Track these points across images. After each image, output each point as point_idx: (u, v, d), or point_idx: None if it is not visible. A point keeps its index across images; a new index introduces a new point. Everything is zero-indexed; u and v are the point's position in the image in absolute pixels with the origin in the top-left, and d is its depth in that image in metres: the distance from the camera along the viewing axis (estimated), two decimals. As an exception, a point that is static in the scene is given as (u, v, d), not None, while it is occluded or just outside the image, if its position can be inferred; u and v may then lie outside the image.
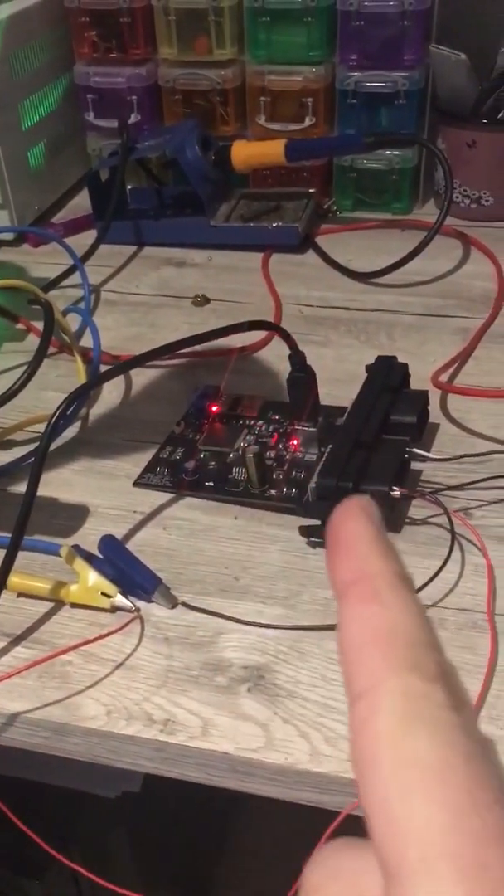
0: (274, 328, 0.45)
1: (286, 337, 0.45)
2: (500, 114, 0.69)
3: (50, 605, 0.42)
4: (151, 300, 0.66)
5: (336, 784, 0.34)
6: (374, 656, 0.14)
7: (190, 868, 0.76)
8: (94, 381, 0.51)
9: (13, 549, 0.39)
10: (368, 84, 0.70)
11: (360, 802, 0.14)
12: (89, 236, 0.73)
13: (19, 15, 0.71)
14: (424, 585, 0.40)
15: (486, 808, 0.13)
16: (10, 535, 0.39)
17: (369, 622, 0.15)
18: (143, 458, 0.50)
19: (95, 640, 0.38)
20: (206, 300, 0.65)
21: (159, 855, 0.74)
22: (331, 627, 0.39)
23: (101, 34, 0.74)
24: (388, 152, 0.72)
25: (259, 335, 0.58)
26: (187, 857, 0.77)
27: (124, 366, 0.48)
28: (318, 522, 0.43)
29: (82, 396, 0.50)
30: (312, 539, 0.44)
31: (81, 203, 0.78)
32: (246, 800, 0.37)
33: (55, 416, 0.41)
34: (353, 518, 0.16)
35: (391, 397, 0.47)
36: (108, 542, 0.42)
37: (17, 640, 0.40)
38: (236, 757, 0.35)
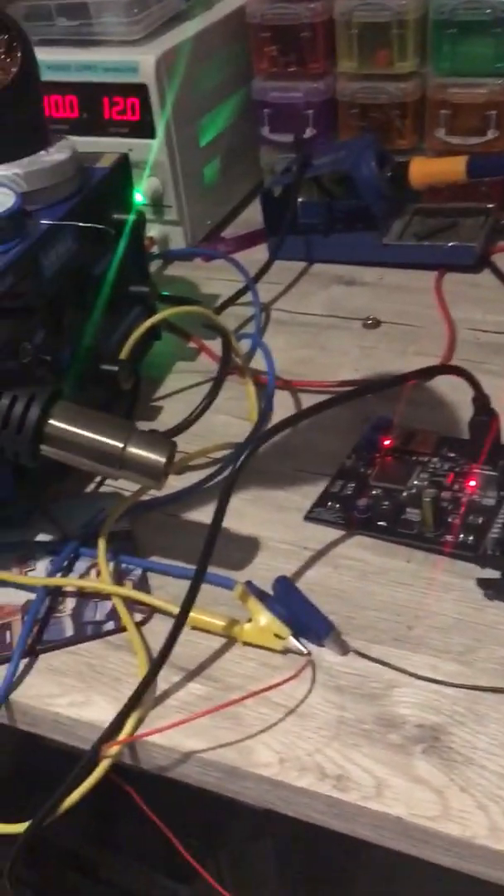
0: (462, 373, 0.43)
1: (472, 382, 0.44)
2: None
3: (222, 641, 0.42)
4: (321, 321, 0.66)
5: (516, 864, 0.33)
6: None
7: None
8: (282, 424, 0.46)
9: (196, 584, 0.40)
10: None
11: None
12: (258, 251, 0.73)
13: (203, 32, 0.72)
14: None
15: None
16: (186, 565, 0.40)
17: None
18: (312, 491, 0.50)
19: (272, 687, 0.38)
20: (378, 323, 0.64)
21: (302, 870, 0.74)
22: (511, 692, 0.38)
23: (280, 49, 0.73)
24: None
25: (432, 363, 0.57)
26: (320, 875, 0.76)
27: (309, 411, 0.46)
28: (497, 575, 0.42)
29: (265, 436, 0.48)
30: (489, 592, 0.42)
31: (250, 217, 0.79)
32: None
33: (242, 456, 0.41)
34: None
35: None
36: (282, 582, 0.42)
37: (192, 675, 0.41)
38: (410, 823, 0.34)
